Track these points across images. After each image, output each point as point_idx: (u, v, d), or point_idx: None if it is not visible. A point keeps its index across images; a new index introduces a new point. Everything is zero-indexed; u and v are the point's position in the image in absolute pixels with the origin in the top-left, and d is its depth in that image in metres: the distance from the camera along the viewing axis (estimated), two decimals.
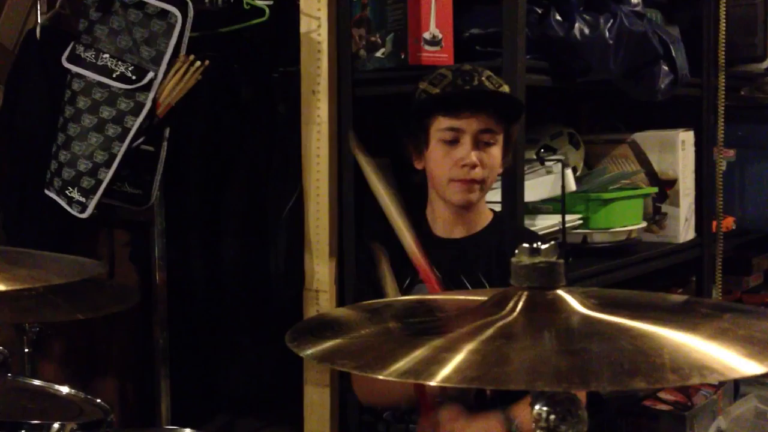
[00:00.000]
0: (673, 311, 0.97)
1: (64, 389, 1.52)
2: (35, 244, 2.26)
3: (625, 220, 2.71)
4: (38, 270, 1.45)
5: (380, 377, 0.83)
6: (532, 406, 0.92)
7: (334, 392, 2.46)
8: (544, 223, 2.49)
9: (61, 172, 2.25)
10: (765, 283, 3.73)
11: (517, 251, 0.92)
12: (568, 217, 2.48)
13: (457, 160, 1.87)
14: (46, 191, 2.29)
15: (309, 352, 0.91)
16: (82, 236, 2.66)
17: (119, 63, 2.22)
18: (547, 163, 2.56)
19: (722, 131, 3.03)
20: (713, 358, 0.80)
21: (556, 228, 2.46)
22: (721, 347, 0.81)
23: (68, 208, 2.24)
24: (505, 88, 1.95)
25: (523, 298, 0.91)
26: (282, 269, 2.46)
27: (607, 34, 2.27)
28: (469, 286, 1.84)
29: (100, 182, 2.20)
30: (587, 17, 2.27)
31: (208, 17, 2.40)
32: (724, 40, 2.97)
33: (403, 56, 2.26)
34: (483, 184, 1.90)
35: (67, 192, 2.23)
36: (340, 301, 2.46)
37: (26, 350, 2.06)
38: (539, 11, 2.27)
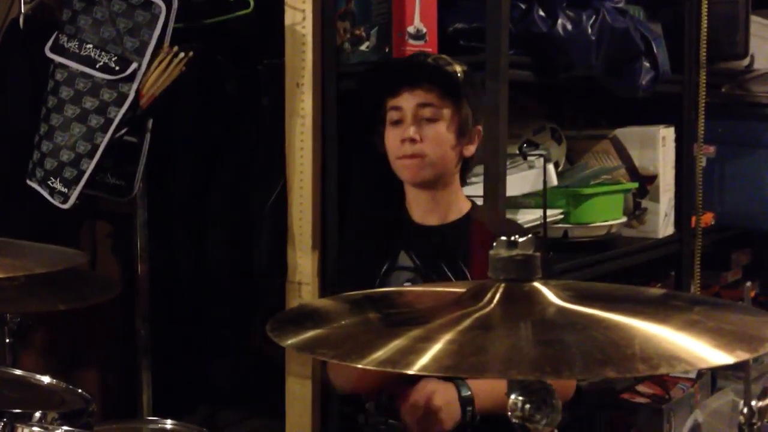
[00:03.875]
0: (646, 304, 0.98)
1: (46, 379, 1.52)
2: (17, 235, 2.26)
3: (605, 215, 2.73)
4: (21, 259, 1.45)
5: (359, 366, 0.84)
6: (507, 395, 0.94)
7: (315, 384, 2.47)
8: (526, 217, 2.51)
9: (43, 163, 2.25)
10: (743, 278, 3.77)
11: (495, 244, 0.94)
12: (549, 212, 2.51)
13: (401, 137, 1.91)
14: (29, 181, 2.29)
15: (289, 342, 0.92)
16: (64, 227, 2.65)
17: (102, 53, 2.22)
18: (530, 158, 2.58)
19: (702, 128, 3.06)
20: (682, 348, 0.81)
21: (538, 222, 2.48)
22: (690, 338, 0.83)
23: (50, 199, 2.24)
24: (456, 68, 1.95)
25: (500, 290, 0.92)
26: (265, 261, 2.47)
27: (589, 30, 2.28)
28: (449, 274, 1.86)
29: (82, 173, 2.20)
30: (570, 13, 2.29)
31: (192, 8, 2.40)
32: (706, 37, 3.00)
33: (387, 50, 2.27)
34: (427, 159, 1.90)
35: (49, 182, 2.23)
36: (323, 293, 2.47)
37: (7, 341, 2.06)
38: (522, 6, 2.28)
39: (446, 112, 1.89)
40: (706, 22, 2.99)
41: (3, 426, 1.24)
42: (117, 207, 2.46)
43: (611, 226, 2.75)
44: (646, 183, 2.95)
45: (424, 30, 2.28)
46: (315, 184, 2.43)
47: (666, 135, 2.99)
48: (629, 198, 2.91)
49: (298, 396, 2.50)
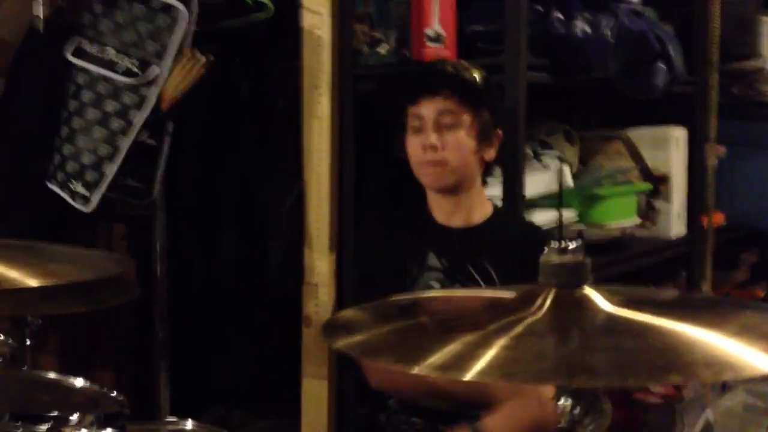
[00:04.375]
0: (695, 308, 1.00)
1: (79, 381, 1.53)
2: (32, 238, 2.27)
3: (619, 216, 2.75)
4: (68, 265, 1.46)
5: (415, 371, 0.86)
6: (556, 400, 0.95)
7: (332, 385, 2.48)
8: (541, 218, 2.51)
9: (64, 165, 2.25)
10: (752, 278, 3.79)
11: (546, 250, 0.95)
12: (564, 213, 2.51)
13: (422, 145, 1.92)
14: (48, 184, 2.30)
15: (343, 344, 0.93)
16: (80, 230, 2.67)
17: (124, 57, 2.23)
18: (544, 160, 2.59)
19: (715, 128, 3.08)
20: (742, 354, 0.82)
21: (553, 224, 2.49)
22: (747, 344, 0.84)
23: (71, 201, 2.25)
24: (474, 74, 1.97)
25: (550, 296, 0.93)
26: (282, 263, 2.48)
27: (607, 32, 2.30)
28: (476, 275, 1.88)
29: (104, 176, 2.21)
30: (588, 16, 2.30)
31: (209, 11, 2.41)
32: (717, 38, 3.01)
33: (406, 53, 2.29)
34: (448, 166, 1.93)
35: (70, 185, 2.24)
36: (339, 295, 2.48)
37: (27, 343, 2.07)
38: (540, 9, 2.30)
39: (466, 118, 1.91)
40: (717, 22, 3.00)
41: (48, 430, 1.26)
42: (134, 209, 2.46)
43: (625, 227, 2.76)
44: (658, 184, 2.97)
45: (443, 33, 2.29)
46: (332, 187, 2.44)
47: (678, 136, 3.00)
48: (642, 199, 2.92)
49: (315, 397, 2.51)
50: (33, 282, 1.32)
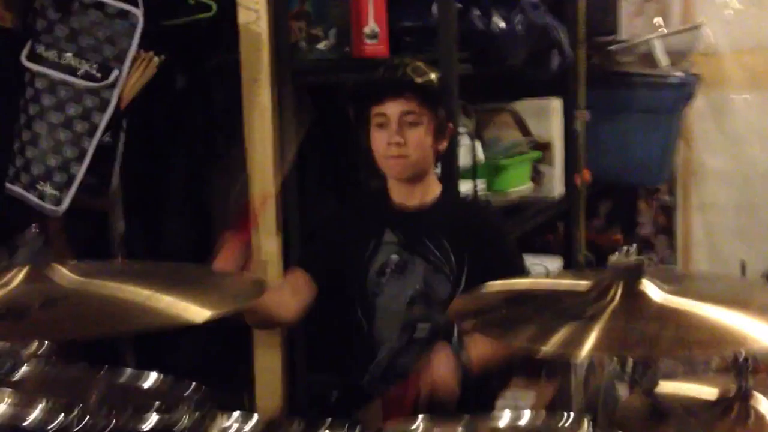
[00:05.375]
0: (725, 292, 1.33)
1: (153, 375, 1.67)
2: None
3: (517, 183, 3.10)
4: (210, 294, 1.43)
5: (544, 349, 1.13)
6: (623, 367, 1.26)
7: (284, 355, 2.71)
8: (461, 189, 2.82)
9: (29, 168, 2.34)
10: (607, 224, 4.29)
11: (617, 253, 1.25)
12: (477, 183, 2.84)
13: (387, 140, 2.17)
14: (10, 186, 2.38)
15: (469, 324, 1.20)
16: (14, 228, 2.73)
17: (82, 62, 2.33)
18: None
19: (584, 97, 3.48)
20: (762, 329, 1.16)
21: (470, 193, 2.80)
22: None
23: (39, 202, 2.34)
24: (431, 76, 2.22)
25: (620, 289, 1.24)
26: None
27: (519, 26, 2.61)
28: (433, 248, 2.16)
29: (73, 176, 2.32)
30: (501, 11, 2.60)
31: (152, 11, 2.52)
32: (584, 18, 3.40)
33: (347, 49, 2.51)
34: (410, 159, 2.17)
35: (37, 186, 2.33)
36: (286, 271, 2.70)
37: None
38: (461, 6, 2.57)
39: (425, 117, 2.16)
40: (584, 4, 3.38)
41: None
42: (88, 204, 2.56)
43: (522, 191, 3.12)
44: (543, 150, 3.34)
45: (378, 29, 2.52)
46: (276, 173, 2.64)
47: (556, 106, 3.38)
48: (531, 165, 3.28)
49: (267, 367, 2.73)
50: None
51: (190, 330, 2.75)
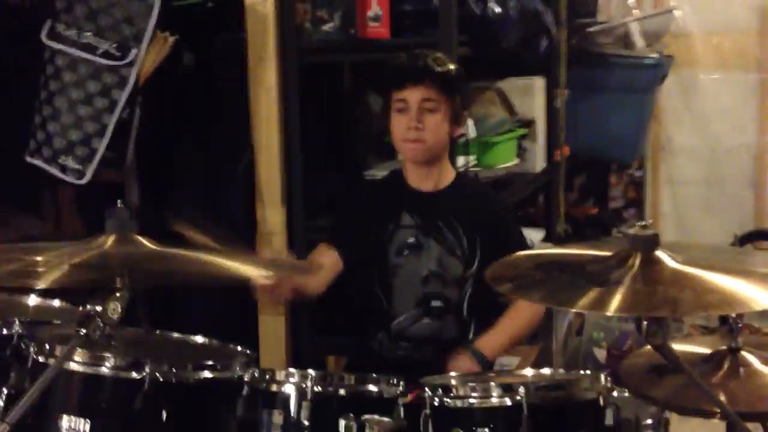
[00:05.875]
0: (729, 261, 1.50)
1: (200, 339, 1.81)
2: None
3: (505, 158, 3.26)
4: None
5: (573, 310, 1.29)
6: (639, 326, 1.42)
7: (287, 320, 2.85)
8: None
9: (51, 142, 2.44)
10: (581, 197, 4.48)
11: (636, 225, 1.41)
12: (468, 159, 2.99)
13: (406, 124, 2.30)
14: (30, 159, 2.48)
15: (506, 288, 1.37)
16: (26, 197, 2.83)
17: (101, 41, 2.43)
18: None
19: (565, 76, 3.65)
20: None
21: (463, 168, 2.96)
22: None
23: (61, 175, 2.45)
24: (450, 67, 2.36)
25: (638, 257, 1.40)
26: (238, 217, 2.80)
27: (512, 12, 2.75)
28: (447, 231, 2.31)
29: (95, 150, 2.43)
30: None
31: None
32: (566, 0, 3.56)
33: (352, 31, 2.64)
34: (427, 144, 2.30)
35: (59, 160, 2.43)
36: (290, 243, 2.84)
37: None
38: None
39: (443, 104, 2.28)
40: None
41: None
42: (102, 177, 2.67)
43: (509, 167, 3.28)
44: (527, 127, 3.50)
45: (380, 12, 2.66)
46: (281, 149, 2.77)
47: (539, 85, 3.54)
48: (516, 141, 3.44)
49: (272, 333, 2.87)
50: None
51: (199, 298, 2.91)
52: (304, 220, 2.82)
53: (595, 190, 4.58)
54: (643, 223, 1.42)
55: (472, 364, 2.21)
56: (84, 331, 1.30)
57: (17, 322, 1.78)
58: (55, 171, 2.45)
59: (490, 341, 2.24)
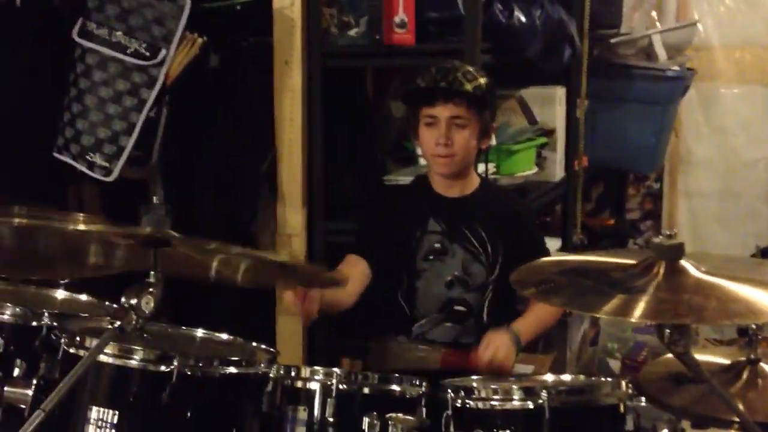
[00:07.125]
0: (748, 271, 1.52)
1: (224, 336, 1.85)
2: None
3: (524, 166, 3.28)
4: None
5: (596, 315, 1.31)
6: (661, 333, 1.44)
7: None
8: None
9: (79, 139, 2.48)
10: (598, 207, 4.50)
11: (660, 236, 1.43)
12: (488, 167, 3.01)
13: (435, 140, 2.31)
14: (58, 155, 2.52)
15: (530, 293, 1.38)
16: (52, 193, 2.86)
17: (132, 40, 2.46)
18: None
19: (585, 87, 3.67)
20: None
21: (483, 174, 2.98)
22: None
23: (88, 171, 2.49)
24: (481, 81, 2.36)
25: (663, 266, 1.42)
26: (257, 217, 2.83)
27: (537, 21, 2.78)
28: (471, 237, 2.33)
29: (122, 148, 2.47)
30: (521, 5, 2.76)
31: None
32: (588, 11, 3.58)
33: (378, 37, 2.67)
34: (456, 159, 2.32)
35: (87, 157, 2.47)
36: (310, 245, 2.87)
37: None
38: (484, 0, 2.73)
39: (472, 120, 2.30)
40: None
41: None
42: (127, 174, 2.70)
43: (527, 175, 3.30)
44: (547, 136, 3.52)
45: (406, 19, 2.69)
46: (304, 152, 2.80)
47: (561, 94, 3.56)
48: (536, 150, 3.46)
49: (289, 332, 2.90)
50: None
51: (218, 297, 2.94)
52: (324, 222, 2.85)
53: (613, 201, 4.60)
54: (668, 232, 1.44)
55: (510, 342, 2.20)
56: (118, 323, 1.33)
57: (46, 313, 1.82)
58: (82, 167, 2.49)
59: (525, 324, 2.27)
